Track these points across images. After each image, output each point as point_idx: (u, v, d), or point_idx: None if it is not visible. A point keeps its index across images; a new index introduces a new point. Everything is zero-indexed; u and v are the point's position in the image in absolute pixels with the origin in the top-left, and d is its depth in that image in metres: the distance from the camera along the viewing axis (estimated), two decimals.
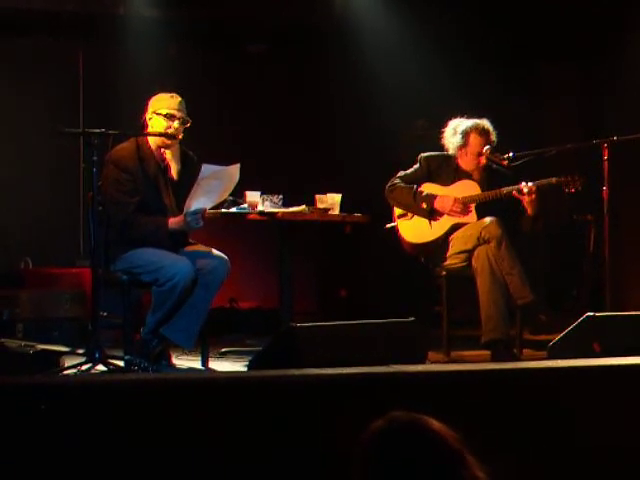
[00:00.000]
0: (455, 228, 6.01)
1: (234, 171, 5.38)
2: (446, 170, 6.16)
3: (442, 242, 6.02)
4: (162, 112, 5.48)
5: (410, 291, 7.49)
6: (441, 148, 6.21)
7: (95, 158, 5.13)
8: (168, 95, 5.56)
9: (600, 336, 4.67)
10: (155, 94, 5.60)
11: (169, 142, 5.51)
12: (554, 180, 5.93)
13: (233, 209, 5.89)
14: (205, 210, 5.39)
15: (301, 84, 8.64)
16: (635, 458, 3.60)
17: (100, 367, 5.02)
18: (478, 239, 5.82)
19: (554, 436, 3.58)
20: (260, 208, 5.86)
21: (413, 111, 8.17)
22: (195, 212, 5.33)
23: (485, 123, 6.06)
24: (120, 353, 5.23)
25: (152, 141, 5.55)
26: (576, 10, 8.06)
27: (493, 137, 6.06)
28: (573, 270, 8.13)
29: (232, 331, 7.46)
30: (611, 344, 4.57)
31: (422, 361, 4.67)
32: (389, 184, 6.13)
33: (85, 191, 6.95)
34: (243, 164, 5.41)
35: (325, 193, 6.13)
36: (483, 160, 6.06)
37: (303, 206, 5.99)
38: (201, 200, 5.33)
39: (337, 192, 6.15)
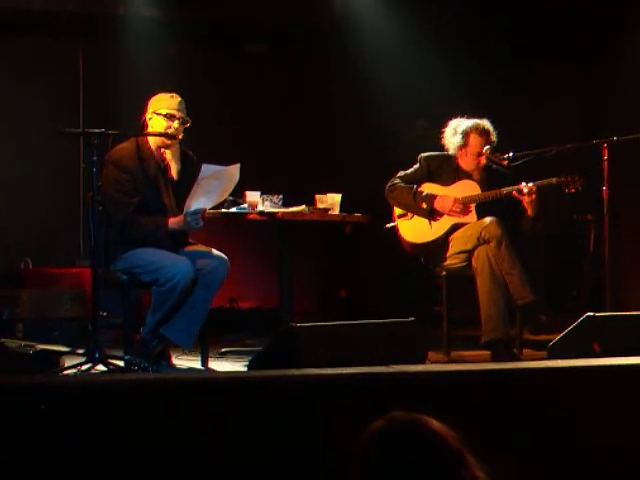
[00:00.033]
0: (455, 228, 6.01)
1: (234, 171, 5.38)
2: (446, 170, 6.16)
3: (442, 242, 6.02)
4: (162, 112, 5.49)
5: (410, 291, 7.49)
6: (441, 148, 6.21)
7: (95, 158, 5.13)
8: (168, 95, 5.56)
9: (600, 336, 4.67)
10: (155, 94, 5.60)
11: (169, 142, 5.51)
12: (554, 180, 5.93)
13: (233, 209, 5.89)
14: (205, 210, 5.39)
15: (301, 84, 8.64)
16: (635, 458, 3.60)
17: (100, 367, 5.02)
18: (478, 239, 5.82)
19: (554, 436, 3.58)
20: (260, 208, 5.86)
21: (413, 111, 8.17)
22: (195, 212, 5.33)
23: (485, 123, 6.06)
24: (120, 353, 5.23)
25: (152, 141, 5.55)
26: (576, 10, 8.06)
27: (493, 137, 6.06)
28: (573, 270, 8.13)
29: (232, 331, 7.46)
30: (611, 344, 4.57)
31: (422, 361, 4.67)
32: (389, 184, 6.13)
33: (85, 191, 6.95)
34: (243, 164, 5.41)
35: (325, 193, 6.13)
36: (483, 160, 6.06)
37: (303, 206, 5.99)
38: (201, 200, 5.33)
39: (337, 192, 6.15)
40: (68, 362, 5.10)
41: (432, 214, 6.05)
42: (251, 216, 5.88)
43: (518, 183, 5.91)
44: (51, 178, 7.97)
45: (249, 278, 8.06)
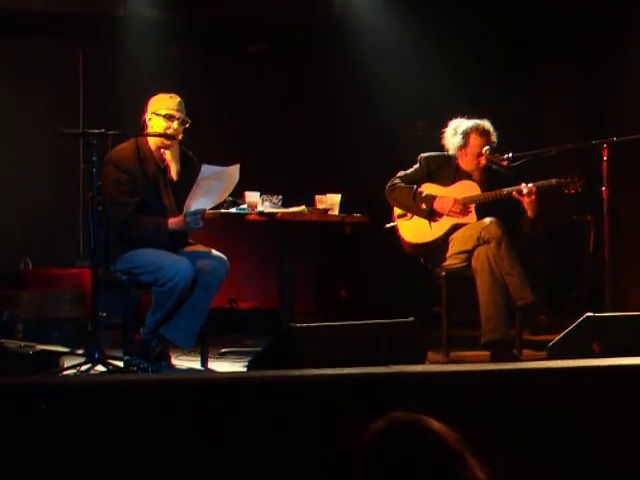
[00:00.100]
0: (455, 228, 6.00)
1: (234, 172, 5.39)
2: (446, 170, 6.16)
3: (442, 242, 6.02)
4: (161, 113, 5.49)
5: (410, 291, 7.49)
6: (441, 148, 6.20)
7: (95, 158, 5.13)
8: (167, 95, 5.56)
9: (600, 336, 4.67)
10: (155, 94, 5.60)
11: (169, 142, 5.51)
12: (554, 181, 5.93)
13: (233, 209, 5.89)
14: (205, 210, 5.39)
15: (301, 84, 8.64)
16: (635, 459, 3.60)
17: (100, 367, 5.02)
18: (478, 239, 5.82)
19: (554, 436, 3.58)
20: (260, 208, 5.86)
21: (413, 111, 8.17)
22: (195, 212, 5.33)
23: (485, 124, 6.06)
24: (120, 353, 5.23)
25: (152, 141, 5.55)
26: (576, 10, 8.06)
27: (493, 138, 6.05)
28: (573, 270, 8.13)
29: (232, 331, 7.46)
30: (611, 344, 4.57)
31: (422, 361, 4.67)
32: (389, 184, 6.13)
33: (85, 191, 6.94)
34: (243, 164, 5.41)
35: (325, 193, 6.13)
36: (483, 161, 6.06)
37: (303, 206, 5.99)
38: (201, 201, 5.34)
39: (337, 192, 6.15)
40: (68, 362, 5.10)
41: (432, 215, 6.05)
42: (251, 216, 5.88)
43: (518, 184, 5.91)
44: (51, 178, 7.97)
45: (249, 278, 8.06)
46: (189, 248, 5.57)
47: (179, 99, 5.56)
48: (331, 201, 6.08)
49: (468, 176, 6.12)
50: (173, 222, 5.41)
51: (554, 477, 3.58)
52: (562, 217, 8.07)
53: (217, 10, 8.09)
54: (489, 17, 8.09)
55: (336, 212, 6.10)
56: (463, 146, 6.08)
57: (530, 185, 5.87)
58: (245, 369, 5.08)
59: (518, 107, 8.57)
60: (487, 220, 5.84)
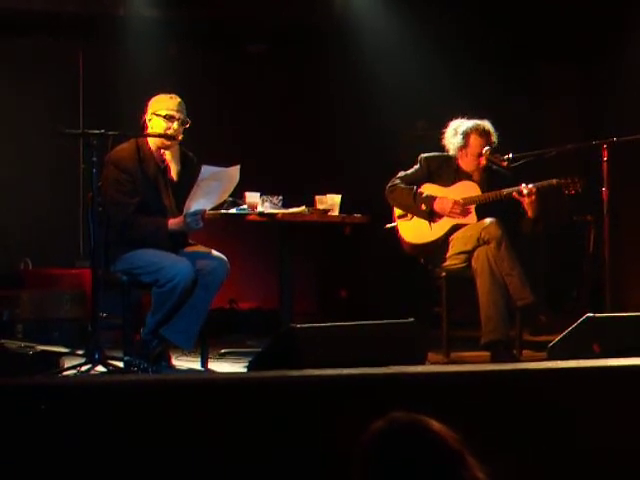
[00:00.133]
0: (455, 229, 6.01)
1: (234, 172, 5.39)
2: (446, 171, 6.16)
3: (442, 243, 6.02)
4: (161, 113, 5.49)
5: (410, 292, 7.49)
6: (441, 148, 6.20)
7: (95, 159, 5.14)
8: (167, 96, 5.56)
9: (600, 337, 4.66)
10: (155, 95, 5.60)
11: (169, 143, 5.51)
12: (554, 182, 5.93)
13: (233, 210, 5.89)
14: (205, 211, 5.39)
15: (301, 84, 8.64)
16: (635, 459, 3.60)
17: (100, 368, 5.02)
18: (478, 240, 5.82)
19: (554, 437, 3.58)
20: (260, 209, 5.86)
21: (413, 111, 8.17)
22: (195, 213, 5.33)
23: (486, 124, 6.06)
24: (120, 354, 5.23)
25: (152, 142, 5.55)
26: (576, 10, 8.06)
27: (494, 138, 6.05)
28: (573, 271, 8.13)
29: (232, 332, 7.46)
30: (611, 345, 4.57)
31: (422, 362, 4.66)
32: (389, 184, 6.13)
33: (85, 192, 6.95)
34: (243, 164, 5.41)
35: (325, 194, 6.13)
36: (483, 161, 6.06)
37: (303, 207, 5.99)
38: (201, 201, 5.34)
39: (337, 192, 6.15)
40: (68, 363, 5.10)
41: (431, 216, 6.04)
42: (251, 217, 5.88)
43: (518, 184, 5.91)
44: (51, 178, 7.97)
45: (249, 279, 8.06)
46: (189, 249, 5.57)
47: (179, 99, 5.55)
48: (331, 201, 6.08)
49: (468, 176, 6.12)
50: (173, 223, 5.41)
51: (554, 478, 3.58)
52: (562, 217, 8.07)
53: (217, 10, 8.09)
54: (489, 17, 8.09)
55: (336, 212, 6.10)
56: (463, 146, 6.08)
57: (530, 186, 5.87)
58: (245, 369, 5.07)
59: (518, 107, 8.57)
60: (487, 221, 5.84)
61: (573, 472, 3.59)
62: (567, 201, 6.41)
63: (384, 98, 8.07)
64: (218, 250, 5.59)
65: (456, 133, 6.10)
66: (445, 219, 6.03)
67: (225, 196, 5.59)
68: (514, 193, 5.90)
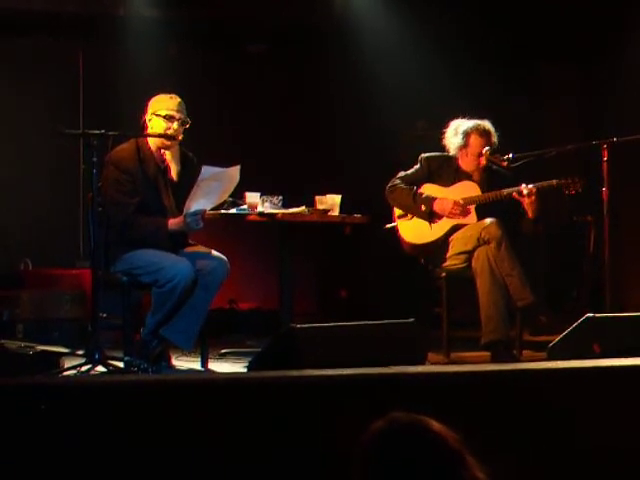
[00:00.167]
0: (455, 229, 6.00)
1: (234, 173, 5.39)
2: (447, 171, 6.16)
3: (442, 243, 6.02)
4: (161, 113, 5.48)
5: (410, 292, 7.48)
6: (441, 148, 6.20)
7: (95, 159, 5.13)
8: (167, 96, 5.56)
9: (600, 337, 4.66)
10: (155, 95, 5.59)
11: (169, 143, 5.51)
12: (554, 182, 5.93)
13: (233, 210, 5.89)
14: (205, 211, 5.39)
15: (301, 84, 8.64)
16: (635, 459, 3.60)
17: (100, 368, 5.02)
18: (478, 240, 5.82)
19: (554, 437, 3.58)
20: (260, 209, 5.86)
21: (413, 111, 8.17)
22: (195, 213, 5.33)
23: (486, 124, 6.06)
24: (120, 354, 5.23)
25: (152, 142, 5.55)
26: (576, 10, 8.06)
27: (494, 138, 6.05)
28: (573, 271, 8.13)
29: (232, 332, 7.46)
30: (611, 345, 4.57)
31: (422, 362, 4.66)
32: (389, 184, 6.13)
33: (85, 192, 6.94)
34: (243, 164, 5.41)
35: (325, 194, 6.13)
36: (483, 161, 6.06)
37: (303, 207, 5.99)
38: (201, 201, 5.34)
39: (337, 192, 6.16)
40: (68, 363, 5.09)
41: (431, 216, 6.04)
42: (251, 217, 5.88)
43: (518, 184, 5.91)
44: (51, 178, 7.97)
45: (249, 279, 8.06)
46: (189, 249, 5.57)
47: (179, 100, 5.55)
48: (331, 202, 6.08)
49: (468, 176, 6.12)
50: (173, 223, 5.41)
51: (554, 478, 3.58)
52: (562, 217, 8.07)
53: (217, 10, 8.09)
54: (489, 17, 8.09)
55: (336, 213, 6.10)
56: (463, 146, 6.07)
57: (530, 186, 5.87)
58: (245, 370, 5.07)
59: (518, 107, 8.57)
60: (487, 221, 5.84)
61: (573, 472, 3.59)
62: (567, 201, 6.41)
63: (384, 98, 8.07)
64: (218, 250, 5.59)
65: (456, 133, 6.10)
66: (445, 219, 6.03)
67: (225, 196, 5.59)
68: (514, 193, 5.90)
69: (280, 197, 5.94)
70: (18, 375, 4.67)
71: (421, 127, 8.25)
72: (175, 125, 5.49)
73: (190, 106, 5.61)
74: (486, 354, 5.76)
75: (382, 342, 4.57)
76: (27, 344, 5.79)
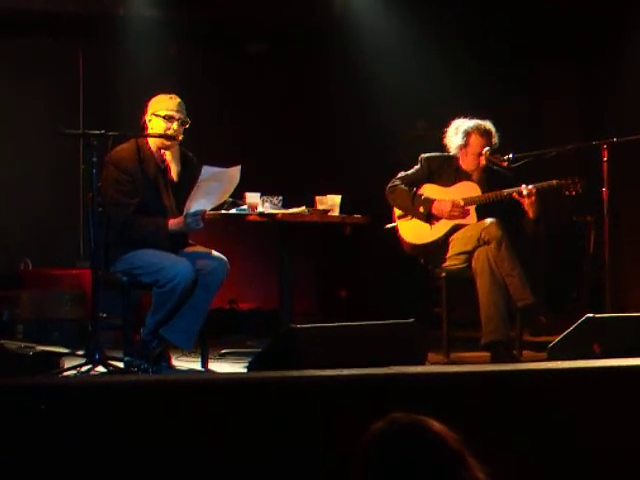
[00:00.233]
0: (455, 229, 6.00)
1: (234, 173, 5.38)
2: (447, 171, 6.15)
3: (442, 243, 6.02)
4: (161, 114, 5.48)
5: (410, 292, 7.48)
6: (441, 148, 6.20)
7: (95, 159, 5.13)
8: (167, 96, 5.56)
9: (600, 337, 4.66)
10: (155, 95, 5.59)
11: (169, 143, 5.51)
12: (555, 183, 5.93)
13: (233, 210, 5.89)
14: (205, 211, 5.39)
15: (301, 84, 8.64)
16: (635, 460, 3.60)
17: (100, 368, 5.02)
18: (478, 240, 5.81)
19: (554, 438, 3.58)
20: (260, 209, 5.86)
21: (413, 111, 8.17)
22: (195, 213, 5.33)
23: (487, 124, 6.06)
24: (120, 354, 5.23)
25: (152, 142, 5.55)
26: (576, 10, 8.06)
27: (495, 139, 6.05)
28: (573, 271, 8.13)
29: (232, 332, 7.46)
30: (611, 345, 4.57)
31: (422, 362, 4.66)
32: (390, 185, 6.13)
33: (85, 192, 6.94)
34: (243, 164, 5.40)
35: (325, 194, 6.13)
36: (483, 161, 6.06)
37: (303, 207, 5.99)
38: (201, 202, 5.33)
39: (337, 192, 6.16)
40: (68, 363, 5.09)
41: (429, 218, 6.04)
42: (251, 217, 5.88)
43: (518, 184, 5.91)
44: (51, 178, 7.97)
45: (249, 279, 8.06)
46: (189, 249, 5.57)
47: (179, 100, 5.55)
48: (331, 202, 6.08)
49: (468, 177, 6.11)
50: (173, 223, 5.41)
51: (554, 478, 3.58)
52: (562, 218, 8.07)
53: (217, 10, 8.09)
54: (489, 17, 8.09)
55: (336, 213, 6.10)
56: (464, 145, 6.07)
57: (530, 187, 5.86)
58: (245, 370, 5.07)
59: (518, 107, 8.58)
60: (487, 221, 5.84)
61: (573, 472, 3.59)
62: (567, 201, 6.41)
63: (384, 98, 8.07)
64: (218, 250, 5.59)
65: (457, 132, 6.10)
66: (445, 220, 6.03)
67: (225, 196, 5.59)
68: (514, 194, 5.90)
69: (280, 197, 5.94)
70: (18, 375, 4.67)
71: (421, 127, 8.26)
72: (175, 125, 5.49)
73: (190, 106, 5.61)
74: (486, 354, 5.76)
75: (382, 342, 4.57)
76: (27, 344, 5.78)
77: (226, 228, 6.83)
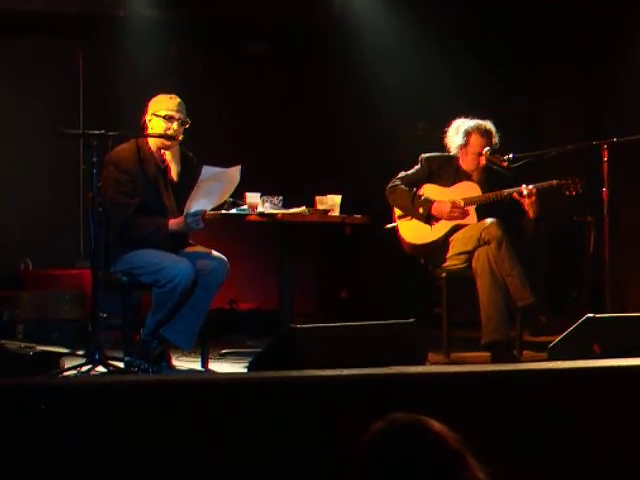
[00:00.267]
0: (455, 229, 6.00)
1: (234, 173, 5.38)
2: (447, 171, 6.15)
3: (442, 243, 6.02)
4: (161, 114, 5.48)
5: (410, 292, 7.48)
6: (441, 148, 6.20)
7: (95, 159, 5.13)
8: (167, 96, 5.56)
9: (600, 337, 4.66)
10: (155, 95, 5.59)
11: (169, 143, 5.51)
12: (555, 183, 5.93)
13: (233, 210, 5.89)
14: (205, 211, 5.39)
15: (301, 84, 8.64)
16: (635, 460, 3.60)
17: (100, 368, 5.02)
18: (478, 240, 5.81)
19: (554, 438, 3.58)
20: (260, 209, 5.86)
21: (413, 111, 8.16)
22: (195, 213, 5.33)
23: (488, 124, 6.06)
24: (120, 354, 5.23)
25: (152, 142, 5.55)
26: (576, 10, 8.06)
27: (495, 139, 6.05)
28: (573, 271, 8.13)
29: (232, 332, 7.45)
30: (611, 345, 4.57)
31: (422, 362, 4.66)
32: (390, 185, 6.13)
33: (85, 192, 6.94)
34: (243, 165, 5.40)
35: (325, 194, 6.13)
36: (482, 161, 6.05)
37: (303, 207, 5.99)
38: (201, 202, 5.33)
39: (337, 192, 6.16)
40: (68, 363, 5.09)
41: (429, 219, 6.03)
42: (251, 217, 5.88)
43: (519, 184, 5.91)
44: (51, 178, 7.97)
45: (249, 279, 8.06)
46: (189, 249, 5.57)
47: (179, 100, 5.55)
48: (331, 202, 6.08)
49: (468, 176, 6.11)
50: (173, 223, 5.41)
51: (554, 478, 3.58)
52: (562, 218, 8.07)
53: (217, 10, 8.09)
54: (489, 17, 8.09)
55: (336, 213, 6.10)
56: (464, 145, 6.07)
57: (530, 187, 5.87)
58: (245, 370, 5.07)
59: (518, 107, 8.57)
60: (488, 221, 5.84)
61: (573, 472, 3.59)
62: (567, 201, 6.41)
63: (384, 98, 8.07)
64: (218, 250, 5.59)
65: (458, 131, 6.10)
66: (445, 220, 6.03)
67: (226, 196, 5.59)
68: (514, 194, 5.90)
69: (280, 197, 5.94)
70: (18, 375, 4.67)
71: (421, 127, 8.26)
72: (175, 125, 5.49)
73: (190, 106, 5.61)
74: (486, 354, 5.76)
75: (382, 342, 4.56)
76: (27, 344, 5.78)
77: (226, 228, 6.83)
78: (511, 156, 6.00)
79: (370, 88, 8.12)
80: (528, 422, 3.59)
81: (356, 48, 8.12)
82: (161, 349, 5.45)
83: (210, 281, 5.40)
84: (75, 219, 8.02)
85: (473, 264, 5.82)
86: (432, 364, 5.20)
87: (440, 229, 6.04)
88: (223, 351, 6.27)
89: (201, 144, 5.80)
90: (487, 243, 5.78)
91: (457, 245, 5.95)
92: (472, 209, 6.02)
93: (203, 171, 5.27)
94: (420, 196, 6.06)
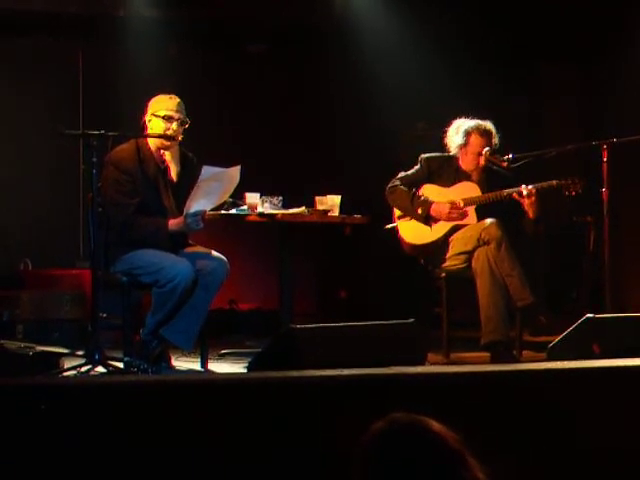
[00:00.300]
0: (455, 229, 6.00)
1: (234, 173, 5.38)
2: (447, 171, 6.15)
3: (442, 243, 6.02)
4: (160, 114, 5.48)
5: (410, 292, 7.48)
6: (441, 148, 6.20)
7: (95, 159, 5.13)
8: (167, 96, 5.56)
9: (600, 337, 4.66)
10: (155, 95, 5.59)
11: (168, 143, 5.51)
12: (554, 183, 5.93)
13: (233, 210, 5.89)
14: (205, 212, 5.39)
15: (301, 84, 8.64)
16: (635, 460, 3.60)
17: (100, 369, 5.02)
18: (478, 240, 5.81)
19: (554, 438, 3.58)
20: (260, 210, 5.86)
21: (413, 111, 8.16)
22: (195, 214, 5.33)
23: (488, 125, 6.06)
24: (120, 355, 5.23)
25: (152, 142, 5.55)
26: (576, 10, 8.06)
27: (495, 139, 6.05)
28: (573, 271, 8.13)
29: (232, 332, 7.45)
30: (611, 345, 4.57)
31: (422, 362, 4.66)
32: (389, 185, 6.13)
33: (85, 192, 6.94)
34: (243, 165, 5.40)
35: (325, 194, 6.13)
36: (482, 161, 6.05)
37: (303, 208, 5.99)
38: (201, 202, 5.33)
39: (337, 192, 6.16)
40: (68, 363, 5.09)
41: (428, 220, 6.03)
42: (251, 217, 5.88)
43: (518, 184, 5.91)
44: (51, 178, 7.97)
45: (249, 279, 8.06)
46: (189, 249, 5.57)
47: (178, 100, 5.55)
48: (331, 202, 6.08)
49: (468, 177, 6.11)
50: (173, 223, 5.41)
51: (554, 478, 3.58)
52: (562, 218, 8.07)
53: (217, 10, 8.09)
54: (489, 17, 8.09)
55: (336, 213, 6.10)
56: (464, 145, 6.07)
57: (530, 187, 5.87)
58: (245, 370, 5.07)
59: (518, 107, 8.57)
60: (487, 221, 5.84)
61: (573, 473, 3.59)
62: (567, 201, 6.41)
63: (384, 98, 8.07)
64: (218, 250, 5.59)
65: (458, 131, 6.10)
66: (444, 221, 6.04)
67: (225, 197, 5.59)
68: (514, 194, 5.90)
69: (280, 197, 5.94)
70: (18, 375, 4.67)
71: (421, 127, 8.26)
72: (174, 125, 5.49)
73: (190, 106, 5.61)
74: (486, 354, 5.76)
75: (382, 342, 4.56)
76: (27, 344, 5.79)
77: (226, 228, 6.82)
78: (511, 156, 6.00)
79: (370, 88, 8.12)
80: (528, 422, 3.59)
81: (356, 48, 8.12)
82: (161, 349, 5.45)
83: (210, 281, 5.40)
84: (75, 219, 8.02)
85: (473, 264, 5.82)
86: (432, 364, 5.21)
87: (440, 229, 6.04)
88: (223, 351, 6.27)
89: (201, 144, 5.80)
90: (487, 243, 5.78)
91: (457, 245, 5.95)
92: (472, 209, 6.02)
93: (203, 171, 5.27)
94: (419, 196, 6.06)
